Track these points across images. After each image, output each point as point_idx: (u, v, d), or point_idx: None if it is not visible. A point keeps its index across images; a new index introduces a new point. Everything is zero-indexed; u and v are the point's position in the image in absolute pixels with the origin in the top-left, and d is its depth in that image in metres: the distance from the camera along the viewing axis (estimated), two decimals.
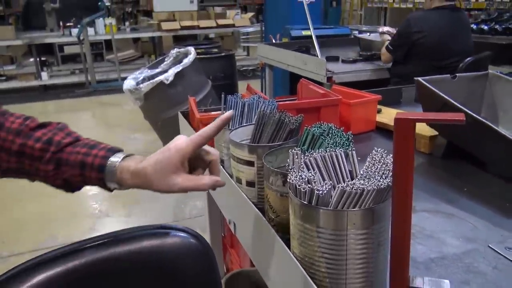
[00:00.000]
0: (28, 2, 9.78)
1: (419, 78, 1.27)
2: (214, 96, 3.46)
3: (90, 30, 6.49)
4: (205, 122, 1.25)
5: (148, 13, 8.96)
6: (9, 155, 0.71)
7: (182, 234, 0.77)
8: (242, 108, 1.17)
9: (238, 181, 0.98)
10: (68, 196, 2.78)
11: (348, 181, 0.66)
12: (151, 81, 3.09)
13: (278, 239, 0.78)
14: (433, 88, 1.20)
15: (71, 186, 0.76)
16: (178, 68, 3.12)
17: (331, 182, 0.65)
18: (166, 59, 3.50)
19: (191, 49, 3.29)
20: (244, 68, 7.11)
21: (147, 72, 3.39)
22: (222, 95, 1.24)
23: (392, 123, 1.48)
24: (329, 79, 2.68)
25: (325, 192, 0.62)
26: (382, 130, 1.53)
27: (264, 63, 3.72)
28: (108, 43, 7.23)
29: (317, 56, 2.92)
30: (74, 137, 0.75)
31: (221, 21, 7.09)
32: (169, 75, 3.06)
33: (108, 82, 6.42)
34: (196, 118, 1.30)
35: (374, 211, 0.63)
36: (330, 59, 3.01)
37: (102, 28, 6.66)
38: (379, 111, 1.65)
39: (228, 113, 0.75)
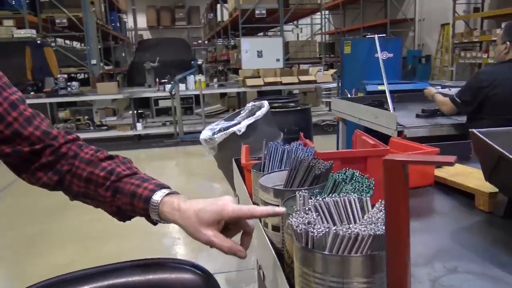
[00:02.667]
0: (133, 62, 10.98)
1: (474, 130, 1.19)
2: None
3: (182, 86, 7.05)
4: (249, 168, 1.28)
5: (237, 71, 9.55)
6: (79, 181, 0.81)
7: (197, 271, 0.78)
8: (282, 155, 1.19)
9: (265, 225, 0.98)
10: (141, 237, 2.94)
11: (344, 224, 0.63)
12: (224, 132, 3.24)
13: (286, 285, 0.76)
14: (487, 140, 1.12)
15: (123, 214, 0.83)
16: (250, 120, 3.23)
17: (329, 225, 0.63)
18: (242, 112, 3.66)
19: (265, 103, 3.41)
20: (325, 123, 7.14)
21: (223, 124, 3.56)
22: (264, 142, 1.28)
23: (452, 178, 1.39)
24: (400, 133, 2.60)
25: (320, 234, 0.61)
26: (442, 185, 1.44)
27: (339, 117, 3.72)
28: (198, 97, 7.76)
29: (389, 110, 2.86)
30: (133, 171, 0.82)
31: (303, 77, 7.29)
32: (242, 127, 3.18)
33: (194, 134, 6.82)
34: (242, 163, 1.34)
35: (374, 259, 0.60)
36: (405, 113, 2.92)
37: (192, 84, 7.20)
38: (440, 166, 1.55)
39: (281, 209, 0.77)
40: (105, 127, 7.21)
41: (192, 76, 7.16)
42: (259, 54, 8.21)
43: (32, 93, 6.91)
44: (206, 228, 0.72)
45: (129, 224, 3.39)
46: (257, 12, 8.62)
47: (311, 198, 0.73)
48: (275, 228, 0.96)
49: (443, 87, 4.02)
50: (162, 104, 8.50)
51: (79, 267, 2.95)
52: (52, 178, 0.82)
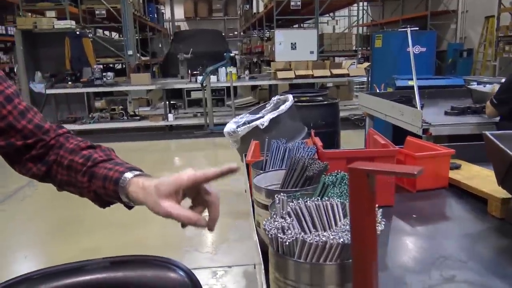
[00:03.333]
0: (168, 53, 11.14)
1: (487, 132, 1.13)
2: None
3: (213, 78, 7.09)
4: (250, 162, 1.27)
5: (271, 63, 9.50)
6: (62, 169, 0.83)
7: (181, 272, 0.78)
8: (284, 153, 1.17)
9: (258, 224, 0.97)
10: (165, 225, 2.99)
11: (315, 232, 0.62)
12: (247, 125, 3.24)
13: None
14: (499, 144, 1.06)
15: (100, 198, 0.85)
16: (274, 114, 3.22)
17: (298, 232, 0.61)
18: (267, 105, 3.65)
19: (290, 97, 3.38)
20: (356, 117, 7.01)
21: (248, 117, 3.57)
22: (266, 139, 1.26)
23: (466, 181, 1.33)
24: (425, 131, 2.51)
25: (289, 241, 0.59)
26: (456, 188, 1.38)
27: (366, 113, 3.64)
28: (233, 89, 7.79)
29: (416, 107, 2.76)
30: (109, 157, 0.84)
31: (335, 71, 7.16)
32: (265, 120, 3.17)
33: (223, 125, 6.86)
34: (247, 160, 1.33)
35: (345, 268, 0.58)
36: (434, 111, 2.82)
37: (224, 76, 7.23)
38: (457, 167, 1.49)
39: (234, 166, 0.76)
40: (138, 117, 7.37)
41: (223, 68, 7.19)
42: (292, 46, 8.12)
43: (69, 82, 7.14)
44: (164, 200, 0.71)
45: (151, 213, 3.46)
46: (292, 3, 8.52)
47: (292, 201, 0.72)
48: None
49: (479, 83, 3.85)
50: (195, 95, 8.59)
51: (105, 252, 3.02)
52: (40, 169, 0.85)
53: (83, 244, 3.30)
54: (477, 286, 0.85)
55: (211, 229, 0.73)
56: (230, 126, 3.44)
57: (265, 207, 0.93)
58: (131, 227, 3.56)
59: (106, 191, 0.80)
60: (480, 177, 1.37)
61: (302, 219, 0.69)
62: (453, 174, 1.41)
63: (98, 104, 7.85)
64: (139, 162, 4.23)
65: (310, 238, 0.57)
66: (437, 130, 2.48)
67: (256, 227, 0.98)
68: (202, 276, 2.84)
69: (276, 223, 0.64)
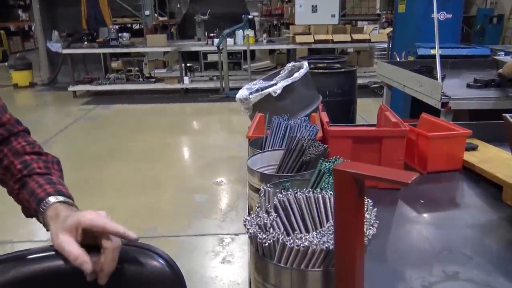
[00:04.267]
0: (185, 13, 10.91)
1: (507, 115, 1.04)
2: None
3: (230, 41, 6.92)
4: (251, 138, 1.21)
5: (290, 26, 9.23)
6: (0, 167, 0.80)
7: (160, 260, 0.74)
8: (285, 130, 1.10)
9: (250, 208, 0.92)
10: (176, 191, 2.99)
11: (297, 234, 0.56)
12: (260, 92, 3.15)
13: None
14: None
15: (26, 210, 0.82)
16: (287, 81, 3.11)
17: (279, 233, 0.55)
18: (281, 72, 3.53)
19: (305, 63, 3.26)
20: (375, 85, 6.80)
21: (261, 84, 3.47)
22: (266, 115, 1.19)
23: (481, 165, 1.24)
24: (444, 104, 2.39)
25: (269, 242, 0.54)
26: (470, 171, 1.29)
27: (385, 82, 3.49)
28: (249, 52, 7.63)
29: (437, 78, 2.62)
30: (47, 171, 0.79)
31: (356, 36, 6.91)
32: (277, 88, 3.07)
33: (239, 90, 6.76)
34: (247, 135, 1.27)
35: (330, 275, 0.52)
36: (456, 82, 2.68)
37: (241, 39, 7.05)
38: (474, 148, 1.40)
39: (132, 235, 0.69)
40: (154, 79, 7.31)
41: (241, 30, 7.00)
42: (313, 9, 7.81)
43: (86, 43, 7.09)
44: (64, 233, 0.67)
45: (165, 177, 3.49)
46: None
47: (281, 192, 0.66)
48: None
49: (507, 53, 3.64)
50: (211, 58, 8.45)
51: (118, 213, 3.05)
52: None
53: (95, 206, 3.34)
54: (480, 286, 0.79)
55: (100, 281, 0.66)
56: (242, 93, 3.35)
57: (258, 191, 0.87)
58: (143, 191, 3.58)
59: (30, 206, 0.77)
60: (497, 161, 1.28)
61: (291, 213, 0.63)
62: (468, 156, 1.32)
63: (114, 65, 7.81)
64: (154, 125, 4.28)
65: (291, 242, 0.51)
66: (456, 104, 2.35)
67: (249, 211, 0.93)
68: (209, 242, 2.85)
69: (258, 219, 0.58)
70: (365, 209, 0.58)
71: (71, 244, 0.66)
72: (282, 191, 0.67)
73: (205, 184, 3.72)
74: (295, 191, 0.66)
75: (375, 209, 0.59)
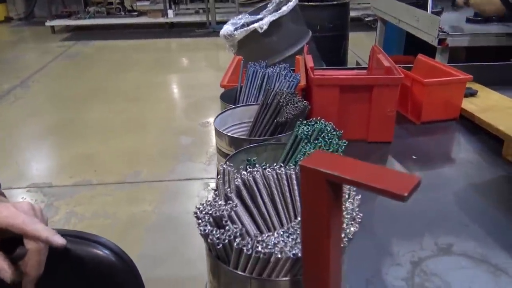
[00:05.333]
0: None
1: None
2: (314, 50, 3.18)
3: None
4: (226, 87, 1.06)
5: None
6: None
7: (104, 250, 0.63)
8: (261, 80, 0.96)
9: (218, 174, 0.80)
10: (160, 133, 2.85)
11: (258, 236, 0.44)
12: (245, 28, 2.93)
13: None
14: None
15: None
16: (274, 16, 2.89)
17: (242, 229, 0.44)
18: (269, 5, 3.28)
19: None
20: (369, 18, 6.49)
21: (247, 18, 3.23)
22: (242, 62, 1.04)
23: (480, 115, 1.12)
24: (441, 41, 2.22)
25: (223, 243, 0.42)
26: (468, 121, 1.18)
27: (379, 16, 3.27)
28: None
29: (434, 12, 2.43)
30: None
31: None
32: (264, 23, 2.86)
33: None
34: (221, 84, 1.12)
35: (298, 284, 0.42)
36: (456, 17, 2.48)
37: None
38: (473, 94, 1.28)
39: (58, 241, 0.55)
40: (136, 13, 6.91)
41: None
42: None
43: None
44: None
45: (149, 119, 3.32)
46: None
47: (247, 169, 0.54)
48: None
49: None
50: None
51: (101, 157, 2.93)
52: None
53: (78, 149, 3.23)
54: (477, 262, 0.70)
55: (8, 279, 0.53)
56: (226, 28, 3.12)
57: (227, 157, 0.76)
58: (126, 134, 3.46)
59: None
60: (497, 109, 1.16)
61: (258, 195, 0.51)
62: (467, 104, 1.20)
63: None
64: (137, 63, 4.02)
65: (248, 247, 0.40)
66: (454, 41, 2.19)
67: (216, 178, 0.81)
68: (194, 186, 2.79)
69: (213, 209, 0.46)
70: (345, 204, 0.46)
71: None
72: (248, 167, 0.55)
73: (190, 125, 3.60)
74: (263, 167, 0.54)
75: (359, 196, 0.47)
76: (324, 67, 2.71)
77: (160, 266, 2.05)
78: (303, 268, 0.37)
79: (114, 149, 3.26)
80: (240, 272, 0.42)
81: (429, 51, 2.25)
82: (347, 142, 0.61)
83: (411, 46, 3.12)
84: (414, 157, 1.03)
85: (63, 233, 0.60)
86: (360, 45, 4.84)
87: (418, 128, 1.17)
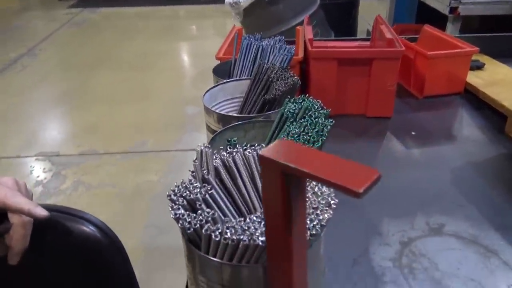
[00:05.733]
0: None
1: None
2: (323, 18, 3.09)
3: None
4: (222, 60, 1.04)
5: None
6: None
7: (90, 226, 0.63)
8: (256, 53, 0.93)
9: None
10: (166, 103, 2.83)
11: (227, 221, 0.43)
12: None
13: None
14: None
15: None
16: None
17: (214, 214, 0.43)
18: None
19: None
20: None
21: None
22: (236, 34, 1.01)
23: (485, 89, 1.08)
24: (453, 10, 2.14)
25: (194, 227, 0.41)
26: (473, 95, 1.14)
27: None
28: None
29: None
30: None
31: None
32: None
33: None
34: (217, 56, 1.09)
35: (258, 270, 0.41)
36: None
37: None
38: (480, 67, 1.23)
39: (41, 212, 0.54)
40: None
41: None
42: None
43: None
44: None
45: (155, 88, 3.30)
46: None
47: (228, 149, 0.52)
48: None
49: None
50: None
51: (107, 128, 2.93)
52: None
53: (84, 118, 3.24)
54: (468, 243, 0.69)
55: (10, 261, 0.54)
56: None
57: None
58: (133, 103, 3.45)
59: None
60: (504, 84, 1.12)
61: (238, 177, 0.50)
62: (472, 77, 1.16)
63: None
64: (144, 30, 3.97)
65: (216, 233, 0.39)
66: (467, 10, 2.10)
67: None
68: None
69: (187, 192, 0.45)
70: (322, 188, 0.45)
71: None
72: (228, 147, 0.54)
73: (197, 95, 3.57)
74: (244, 147, 0.52)
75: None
76: (328, 38, 2.64)
77: (165, 236, 2.08)
78: (267, 257, 0.36)
79: (120, 118, 3.26)
80: (211, 257, 0.41)
81: (442, 19, 2.17)
82: (333, 122, 0.59)
83: (423, 14, 3.02)
84: (413, 133, 1.01)
85: (49, 207, 0.60)
86: (373, 13, 4.70)
87: (420, 103, 1.14)
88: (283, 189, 0.29)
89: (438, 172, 0.87)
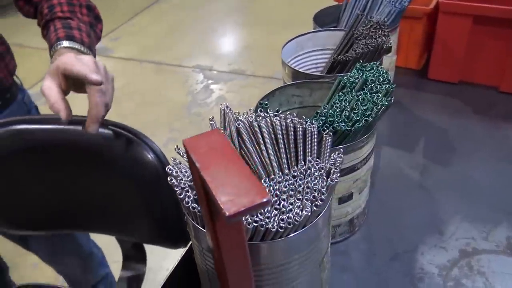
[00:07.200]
0: None
1: None
2: None
3: None
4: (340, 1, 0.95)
5: None
6: (40, 15, 0.77)
7: (150, 153, 0.69)
8: (367, 1, 0.83)
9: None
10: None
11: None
12: None
13: None
14: None
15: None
16: None
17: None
18: None
19: None
20: None
21: None
22: None
23: None
24: None
25: (189, 204, 0.42)
26: None
27: None
28: None
29: None
30: (71, 15, 0.75)
31: None
32: None
33: None
34: None
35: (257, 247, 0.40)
36: None
37: None
38: None
39: (97, 78, 0.58)
40: None
41: None
42: None
43: None
44: (48, 78, 0.61)
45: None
46: None
47: (256, 111, 0.51)
48: None
49: None
50: None
51: (259, 50, 2.98)
52: (29, 10, 0.80)
53: (241, 37, 3.40)
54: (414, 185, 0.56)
55: (88, 128, 0.60)
56: None
57: None
58: (288, 29, 3.43)
59: (49, 52, 0.71)
60: None
61: (262, 141, 0.48)
62: None
63: None
64: None
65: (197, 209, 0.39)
66: None
67: None
68: None
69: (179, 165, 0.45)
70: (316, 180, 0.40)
71: (51, 89, 0.61)
72: (259, 110, 0.51)
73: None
74: (273, 114, 0.49)
75: (338, 175, 0.40)
76: None
77: None
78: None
79: (273, 43, 3.30)
80: (200, 227, 0.42)
81: None
82: (392, 102, 0.50)
83: None
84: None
85: (116, 124, 0.67)
86: None
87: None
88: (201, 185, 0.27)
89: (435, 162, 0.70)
